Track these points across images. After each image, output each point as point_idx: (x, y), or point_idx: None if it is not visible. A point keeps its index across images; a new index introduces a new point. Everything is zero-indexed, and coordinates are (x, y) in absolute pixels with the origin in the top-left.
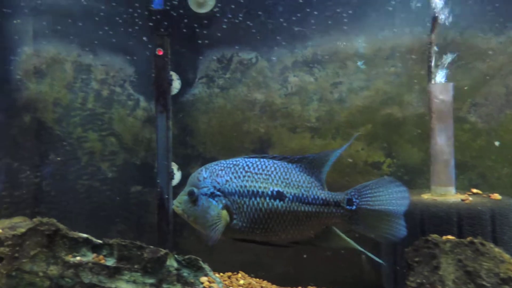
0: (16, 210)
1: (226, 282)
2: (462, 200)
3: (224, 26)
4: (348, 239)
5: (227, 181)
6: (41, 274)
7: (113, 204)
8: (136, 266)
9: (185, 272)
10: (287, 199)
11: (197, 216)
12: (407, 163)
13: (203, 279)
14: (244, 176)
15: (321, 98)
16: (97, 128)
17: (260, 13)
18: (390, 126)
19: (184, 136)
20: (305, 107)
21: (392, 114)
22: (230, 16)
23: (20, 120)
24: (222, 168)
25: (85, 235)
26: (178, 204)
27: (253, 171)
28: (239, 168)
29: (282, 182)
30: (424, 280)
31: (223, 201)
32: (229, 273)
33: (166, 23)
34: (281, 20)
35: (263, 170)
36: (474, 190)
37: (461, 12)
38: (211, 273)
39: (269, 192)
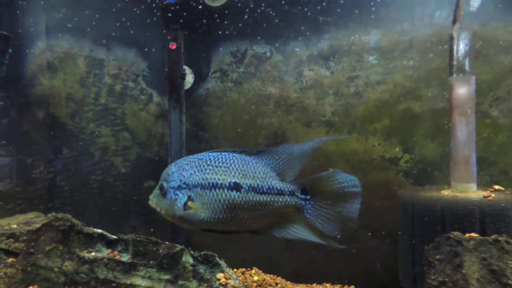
0: (30, 206)
1: (240, 278)
2: (484, 196)
3: (238, 20)
4: (308, 229)
5: (191, 174)
6: (56, 269)
7: (126, 199)
8: (151, 262)
9: (201, 268)
10: (243, 189)
11: (166, 208)
12: (425, 158)
13: (220, 275)
14: (206, 169)
15: (337, 92)
16: (110, 123)
17: (275, 6)
18: (408, 120)
19: (197, 131)
20: (321, 101)
21: (410, 108)
22: (244, 9)
23: (33, 115)
24: (188, 162)
25: (99, 231)
26: (152, 198)
27: (214, 164)
28: (203, 162)
29: (239, 174)
30: (446, 279)
31: (188, 193)
32: (243, 269)
33: (179, 17)
34: (296, 13)
35: (223, 163)
36: (496, 187)
37: (483, 4)
38: (227, 270)
39: (227, 184)
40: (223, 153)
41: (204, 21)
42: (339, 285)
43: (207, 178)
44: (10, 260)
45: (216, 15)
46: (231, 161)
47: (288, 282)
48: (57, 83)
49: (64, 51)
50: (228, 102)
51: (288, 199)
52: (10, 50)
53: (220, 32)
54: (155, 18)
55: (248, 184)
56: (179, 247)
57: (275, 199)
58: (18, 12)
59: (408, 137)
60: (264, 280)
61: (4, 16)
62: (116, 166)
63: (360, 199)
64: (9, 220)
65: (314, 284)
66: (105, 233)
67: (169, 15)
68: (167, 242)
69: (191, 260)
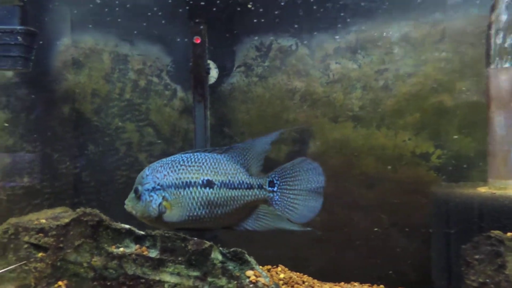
0: (56, 201)
1: None
2: None
3: (263, 13)
4: (278, 219)
5: (165, 175)
6: (85, 264)
7: None
8: (180, 259)
9: (230, 265)
10: (215, 186)
11: (141, 210)
12: (459, 154)
13: (249, 273)
14: (179, 170)
15: (365, 85)
16: (134, 118)
17: None
18: (440, 114)
19: (221, 126)
20: (348, 95)
21: (443, 102)
22: (269, 1)
23: (59, 111)
24: (162, 164)
25: (127, 226)
26: (127, 202)
27: (187, 164)
28: (175, 163)
29: (211, 172)
30: (487, 280)
31: (163, 194)
32: (269, 266)
33: (204, 10)
34: (323, 4)
35: (195, 163)
36: None
37: None
38: (257, 267)
39: (200, 181)
40: (195, 154)
41: (228, 14)
42: (367, 284)
43: (180, 178)
44: (40, 254)
45: (240, 8)
46: (203, 160)
47: (315, 280)
48: (82, 79)
49: (89, 47)
50: (252, 97)
51: (257, 192)
52: (36, 46)
53: (244, 26)
54: (179, 12)
55: (220, 181)
56: (207, 243)
57: (245, 193)
58: (43, 8)
59: (440, 132)
60: (290, 278)
61: (30, 12)
62: (141, 162)
63: (323, 186)
64: (37, 214)
65: (342, 283)
66: (132, 228)
67: (194, 9)
68: (195, 238)
69: (220, 257)
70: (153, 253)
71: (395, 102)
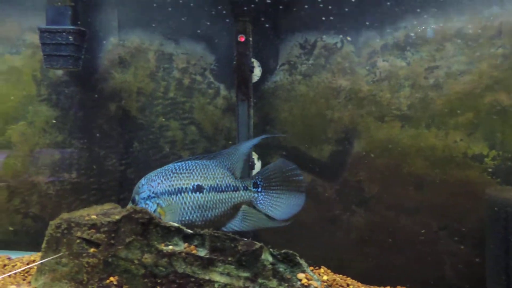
0: (103, 197)
1: None
2: None
3: (307, 9)
4: (261, 218)
5: (158, 183)
6: (136, 261)
7: None
8: (230, 259)
9: (281, 267)
10: (205, 190)
11: None
12: None
13: (301, 275)
14: (171, 177)
15: (414, 84)
16: (178, 117)
17: None
18: (495, 114)
19: (264, 125)
20: (395, 94)
21: (498, 100)
22: None
23: (106, 109)
24: (156, 174)
25: (176, 224)
26: None
27: (178, 172)
28: (168, 172)
29: (201, 177)
30: None
31: (157, 201)
32: (311, 268)
33: (248, 8)
34: (369, 0)
35: (186, 170)
36: None
37: None
38: (308, 270)
39: (191, 187)
40: (186, 162)
41: (272, 11)
42: None
43: (173, 185)
44: (92, 250)
45: (284, 5)
46: (193, 167)
47: (360, 283)
48: (128, 78)
49: (135, 46)
50: (296, 95)
51: (243, 193)
52: (85, 45)
53: (288, 23)
54: (223, 10)
55: (209, 185)
56: (258, 244)
57: (232, 195)
58: (92, 7)
59: (495, 132)
60: (334, 280)
61: (80, 11)
62: None
63: (302, 185)
64: (88, 210)
65: (388, 287)
66: (181, 227)
67: (238, 6)
68: (245, 239)
69: (270, 258)
70: (202, 252)
71: (446, 101)
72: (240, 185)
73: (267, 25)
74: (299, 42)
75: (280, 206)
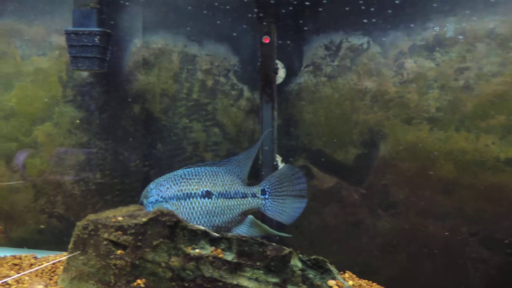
0: (126, 198)
1: None
2: None
3: (332, 10)
4: (264, 226)
5: (167, 188)
6: (163, 264)
7: None
8: (258, 264)
9: (310, 274)
10: (214, 196)
11: None
12: None
13: (331, 282)
14: (180, 183)
15: (443, 85)
16: (201, 118)
17: None
18: None
19: (288, 127)
20: (424, 96)
21: None
22: None
23: (130, 110)
24: (165, 179)
25: (202, 228)
26: None
27: (187, 178)
28: (177, 177)
29: (210, 183)
30: None
31: (165, 206)
32: None
33: (272, 9)
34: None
35: (195, 176)
36: None
37: None
38: (339, 276)
39: (200, 192)
40: (196, 168)
41: (297, 12)
42: None
43: (181, 190)
44: (119, 252)
45: (308, 6)
46: (203, 174)
47: None
48: (152, 79)
49: (159, 48)
50: (321, 97)
51: (251, 200)
52: (111, 47)
53: (313, 24)
54: (247, 11)
55: (218, 191)
56: (287, 249)
57: (241, 202)
58: (117, 9)
59: None
60: (360, 285)
61: (105, 13)
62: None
63: (305, 188)
64: (113, 212)
65: None
66: (208, 230)
67: (263, 8)
68: (273, 244)
69: (299, 264)
70: (229, 256)
71: (477, 103)
72: (249, 192)
73: (291, 26)
74: (324, 43)
75: (286, 211)
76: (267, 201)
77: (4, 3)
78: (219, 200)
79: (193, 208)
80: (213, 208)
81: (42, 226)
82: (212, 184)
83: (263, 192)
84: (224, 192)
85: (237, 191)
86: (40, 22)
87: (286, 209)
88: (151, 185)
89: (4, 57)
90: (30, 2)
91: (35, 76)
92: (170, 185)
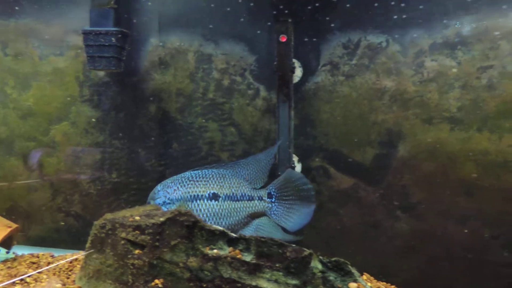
0: (142, 197)
1: None
2: None
3: (350, 8)
4: (275, 229)
5: (174, 190)
6: (181, 264)
7: None
8: (277, 265)
9: (331, 276)
10: (220, 198)
11: None
12: None
13: (353, 285)
14: (188, 185)
15: (465, 84)
16: (217, 118)
17: None
18: None
19: (305, 127)
20: (444, 95)
21: None
22: None
23: (146, 110)
24: (172, 181)
25: (220, 228)
26: None
27: (194, 180)
28: (185, 179)
29: (217, 185)
30: None
31: (172, 208)
32: None
33: (289, 8)
34: None
35: (203, 178)
36: None
37: None
38: (360, 279)
39: (207, 195)
40: (203, 170)
41: (314, 10)
42: None
43: (189, 192)
44: (136, 251)
45: (326, 4)
46: (210, 176)
47: None
48: (168, 79)
49: (175, 47)
50: (338, 96)
51: (257, 203)
52: (127, 47)
53: (331, 22)
54: (264, 10)
55: (225, 194)
56: (307, 251)
57: (247, 204)
58: (134, 9)
59: None
60: None
61: (122, 13)
62: (223, 161)
63: (313, 193)
64: (130, 211)
65: None
66: (225, 230)
67: (279, 6)
68: (293, 245)
69: (320, 266)
70: (248, 257)
71: (501, 102)
72: (255, 195)
73: (308, 25)
74: (342, 41)
75: (292, 218)
76: (273, 204)
77: (22, 4)
78: (225, 202)
79: (200, 210)
80: (220, 210)
81: (62, 223)
82: (219, 186)
83: (270, 195)
84: (231, 194)
85: (243, 194)
86: (57, 22)
87: (293, 215)
88: (158, 187)
89: (22, 57)
90: (48, 3)
91: (53, 76)
92: (177, 187)
